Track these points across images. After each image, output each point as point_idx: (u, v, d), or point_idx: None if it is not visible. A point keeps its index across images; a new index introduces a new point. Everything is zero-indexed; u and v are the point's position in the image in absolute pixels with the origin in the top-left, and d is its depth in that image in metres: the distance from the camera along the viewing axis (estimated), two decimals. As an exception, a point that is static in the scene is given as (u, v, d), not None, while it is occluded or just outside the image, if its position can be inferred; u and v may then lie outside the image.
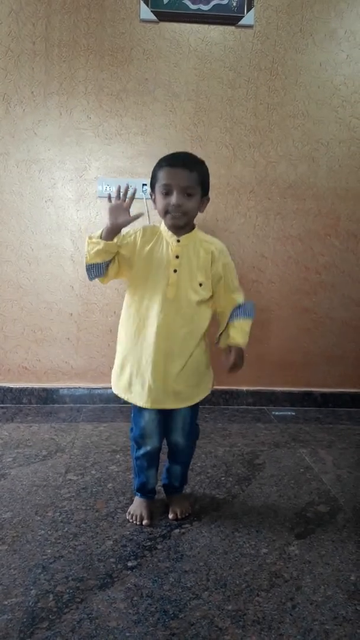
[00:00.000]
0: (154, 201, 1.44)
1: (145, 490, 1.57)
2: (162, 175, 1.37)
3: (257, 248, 2.54)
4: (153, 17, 2.33)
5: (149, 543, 1.43)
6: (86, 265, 1.40)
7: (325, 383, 2.67)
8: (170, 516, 1.54)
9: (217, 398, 2.59)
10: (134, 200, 2.46)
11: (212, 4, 2.34)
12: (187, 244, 1.41)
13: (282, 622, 1.14)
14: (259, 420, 2.44)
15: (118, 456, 1.98)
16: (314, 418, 2.51)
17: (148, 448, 1.51)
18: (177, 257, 1.40)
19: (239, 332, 1.45)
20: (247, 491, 1.74)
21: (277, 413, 2.55)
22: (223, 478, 1.83)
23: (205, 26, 2.38)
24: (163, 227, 1.44)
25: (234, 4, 2.35)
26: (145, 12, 2.33)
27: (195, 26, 2.38)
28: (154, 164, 2.50)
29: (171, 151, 2.43)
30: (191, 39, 2.39)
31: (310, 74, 2.44)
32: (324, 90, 2.46)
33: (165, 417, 1.50)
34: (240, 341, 1.45)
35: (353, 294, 2.61)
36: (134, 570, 1.32)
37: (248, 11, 2.36)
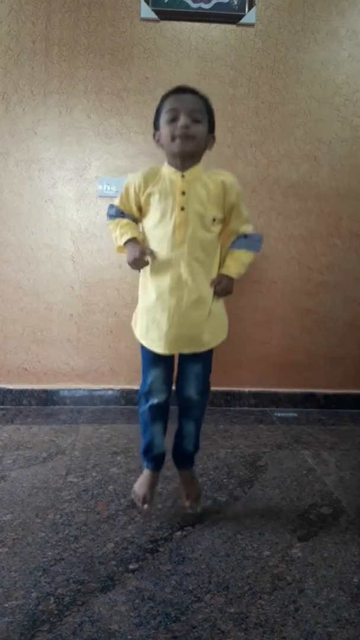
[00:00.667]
0: (158, 140, 1.40)
1: (151, 455, 1.52)
2: (167, 103, 1.34)
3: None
4: (154, 15, 2.32)
5: (151, 545, 1.42)
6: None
7: (328, 384, 2.65)
8: (187, 504, 1.51)
9: (218, 399, 2.57)
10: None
11: (213, 2, 2.33)
12: (193, 179, 1.35)
13: (285, 625, 1.13)
14: (261, 422, 2.43)
15: (119, 458, 1.97)
16: (317, 419, 2.50)
17: (154, 401, 1.47)
18: (183, 193, 1.34)
19: (234, 262, 1.41)
20: (250, 493, 1.72)
21: (279, 414, 2.54)
22: (225, 480, 1.81)
23: (206, 25, 2.37)
24: (165, 166, 1.39)
25: (235, 3, 2.34)
26: (146, 11, 2.32)
27: (196, 25, 2.37)
28: (155, 163, 2.48)
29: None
30: (192, 37, 2.38)
31: (312, 73, 2.43)
32: (326, 89, 2.44)
33: (178, 370, 1.48)
34: (234, 272, 1.41)
35: (356, 294, 2.60)
36: (135, 572, 1.30)
37: (249, 10, 2.35)
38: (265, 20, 2.38)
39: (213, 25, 2.37)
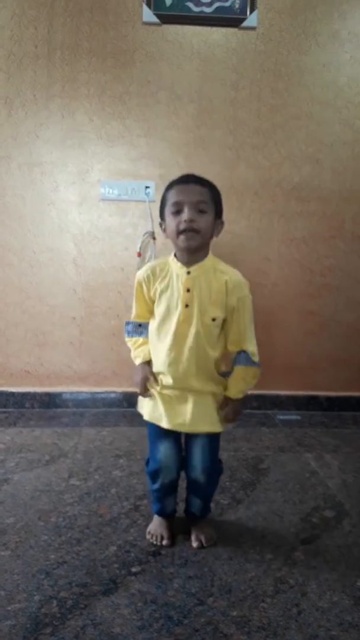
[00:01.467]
0: (164, 231, 1.36)
1: (164, 514, 1.49)
2: (171, 195, 1.30)
3: (261, 250, 2.53)
4: (155, 19, 2.33)
5: (153, 548, 1.42)
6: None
7: (331, 387, 2.65)
8: (195, 544, 1.43)
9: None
10: (138, 202, 2.47)
11: (214, 6, 2.34)
12: (198, 275, 1.32)
13: (288, 628, 1.13)
14: (263, 425, 2.42)
15: (121, 461, 1.97)
16: (320, 422, 2.49)
17: (165, 481, 1.42)
18: (188, 290, 1.31)
19: (235, 382, 1.37)
20: (252, 496, 1.72)
21: (282, 417, 2.53)
22: (227, 483, 1.81)
23: (208, 28, 2.38)
24: (172, 259, 1.36)
25: (237, 6, 2.35)
26: (148, 15, 2.33)
27: (197, 28, 2.37)
28: (157, 166, 2.51)
29: (174, 153, 2.43)
30: (194, 41, 2.38)
31: (314, 76, 2.43)
32: (328, 91, 2.45)
33: (185, 448, 1.44)
34: (234, 393, 1.38)
35: (358, 296, 2.59)
36: (137, 575, 1.30)
37: (251, 13, 2.35)
38: (267, 23, 2.39)
39: (215, 28, 2.38)
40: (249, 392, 2.60)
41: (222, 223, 1.38)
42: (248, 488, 1.78)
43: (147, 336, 1.44)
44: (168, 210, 1.31)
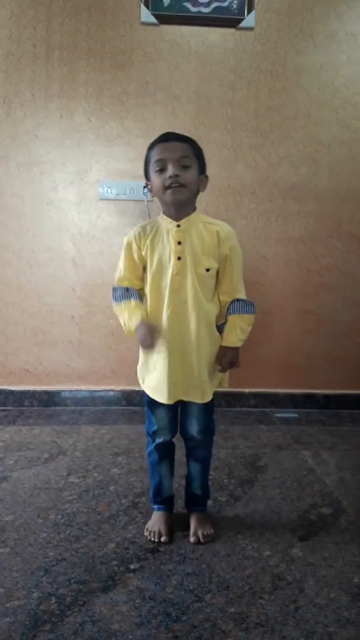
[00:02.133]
0: (150, 190, 1.38)
1: (161, 497, 1.51)
2: (154, 153, 1.32)
3: (259, 250, 2.54)
4: (153, 19, 2.34)
5: (151, 546, 1.43)
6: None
7: (328, 385, 2.66)
8: (192, 539, 1.44)
9: (219, 400, 2.56)
10: (136, 202, 2.48)
11: (212, 6, 2.35)
12: (188, 228, 1.35)
13: (285, 625, 1.14)
14: (261, 422, 2.44)
15: (120, 459, 1.98)
16: (317, 420, 2.50)
17: (161, 439, 1.48)
18: (179, 243, 1.34)
19: (232, 330, 1.39)
20: (250, 494, 1.73)
21: (279, 415, 2.55)
22: (225, 480, 1.82)
23: (206, 28, 2.38)
24: (161, 216, 1.39)
25: (235, 7, 2.36)
26: (146, 15, 2.34)
27: (195, 29, 2.38)
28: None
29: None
30: (192, 41, 2.39)
31: (311, 76, 2.44)
32: (325, 92, 2.46)
33: (180, 410, 1.48)
34: (233, 340, 1.39)
35: (355, 295, 2.61)
36: (136, 572, 1.31)
37: (248, 13, 2.36)
38: (265, 23, 2.40)
39: (212, 29, 2.39)
40: (247, 390, 2.63)
41: (206, 177, 1.40)
42: (246, 485, 1.79)
43: (137, 299, 1.40)
44: (152, 168, 1.33)
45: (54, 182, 2.44)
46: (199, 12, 2.35)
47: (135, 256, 1.39)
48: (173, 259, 1.34)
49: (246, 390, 2.63)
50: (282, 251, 2.55)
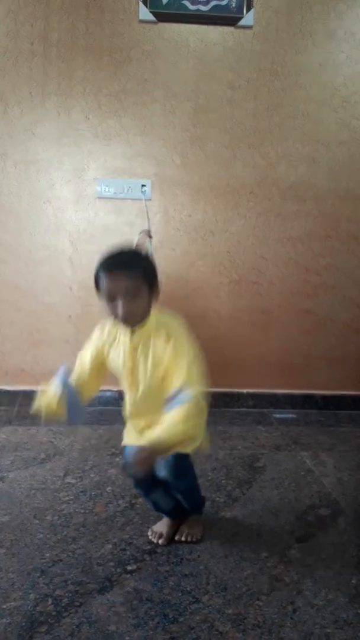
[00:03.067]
0: (104, 304, 1.30)
1: (163, 511, 1.49)
2: (103, 280, 1.25)
3: (257, 249, 2.53)
4: (152, 17, 2.33)
5: (149, 547, 1.42)
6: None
7: (327, 385, 2.65)
8: (176, 537, 1.44)
9: (217, 401, 2.57)
10: (134, 200, 2.46)
11: (211, 4, 2.34)
12: (142, 334, 1.32)
13: (283, 626, 1.13)
14: (259, 423, 2.43)
15: (117, 459, 1.97)
16: (315, 421, 2.50)
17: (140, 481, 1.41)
18: (134, 350, 1.32)
19: (160, 427, 1.23)
20: (248, 494, 1.72)
21: (278, 416, 2.54)
22: (223, 481, 1.81)
23: (205, 27, 2.38)
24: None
25: (233, 5, 2.35)
26: (144, 13, 2.33)
27: (194, 27, 2.37)
28: (153, 164, 2.50)
29: (170, 151, 2.42)
30: (190, 39, 2.38)
31: (310, 75, 2.44)
32: (324, 91, 2.45)
33: None
34: (150, 438, 1.22)
35: (354, 295, 2.60)
36: (133, 574, 1.30)
37: (247, 12, 2.35)
38: (264, 22, 2.39)
39: (211, 27, 2.38)
40: (245, 391, 2.62)
41: (158, 291, 1.34)
42: (244, 486, 1.78)
43: (62, 384, 1.37)
44: (102, 293, 1.27)
45: (51, 180, 2.43)
46: (198, 10, 2.34)
47: (96, 348, 1.39)
48: (128, 368, 1.33)
49: (244, 390, 2.62)
50: (281, 251, 2.54)
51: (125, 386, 1.38)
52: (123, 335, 1.35)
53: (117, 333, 1.37)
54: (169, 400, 1.25)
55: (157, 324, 1.33)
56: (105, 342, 1.38)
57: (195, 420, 1.24)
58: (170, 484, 1.39)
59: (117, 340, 1.37)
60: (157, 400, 1.30)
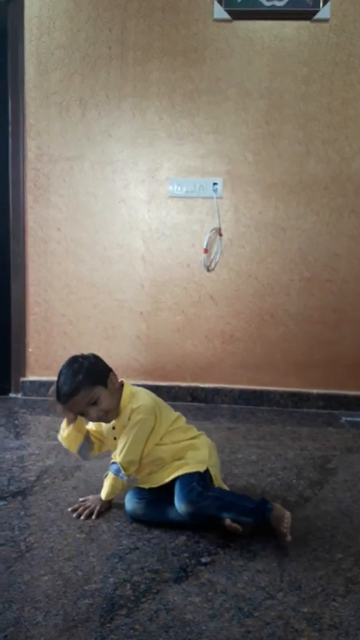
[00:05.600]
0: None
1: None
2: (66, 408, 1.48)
3: (330, 246, 2.48)
4: (227, 16, 2.34)
5: (221, 540, 1.44)
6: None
7: None
8: (284, 529, 1.40)
9: (285, 400, 2.55)
10: (205, 199, 2.48)
11: (286, -1, 2.31)
12: (118, 422, 1.52)
13: (360, 630, 1.11)
14: (329, 425, 2.38)
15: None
16: (389, 423, 2.42)
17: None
18: (113, 428, 1.54)
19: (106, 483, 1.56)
20: (320, 495, 1.71)
21: (348, 418, 2.48)
22: (294, 481, 1.80)
23: (280, 22, 2.36)
24: None
25: (310, -1, 2.31)
26: (219, 12, 2.34)
27: (269, 23, 2.36)
28: (225, 162, 2.52)
29: (242, 149, 2.42)
30: (265, 35, 2.37)
31: (389, 66, 2.35)
32: None
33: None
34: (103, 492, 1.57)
35: None
36: (207, 566, 1.32)
37: (324, 5, 2.31)
38: (340, 14, 2.34)
39: (287, 22, 2.35)
40: (315, 391, 2.57)
41: (112, 379, 1.53)
42: (316, 487, 1.76)
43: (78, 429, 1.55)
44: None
45: (126, 180, 2.50)
46: (273, 5, 2.32)
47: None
48: (112, 441, 1.56)
49: (314, 391, 2.58)
50: (355, 247, 2.48)
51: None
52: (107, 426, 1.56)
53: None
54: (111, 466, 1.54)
55: (129, 406, 1.52)
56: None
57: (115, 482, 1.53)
58: (188, 518, 1.46)
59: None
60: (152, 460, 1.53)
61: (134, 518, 1.52)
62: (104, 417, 1.49)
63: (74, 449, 1.54)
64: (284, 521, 1.40)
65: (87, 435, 1.56)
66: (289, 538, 1.40)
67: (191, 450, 1.56)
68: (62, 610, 1.15)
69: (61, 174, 2.51)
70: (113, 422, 1.53)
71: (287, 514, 1.42)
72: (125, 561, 1.34)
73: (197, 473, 1.49)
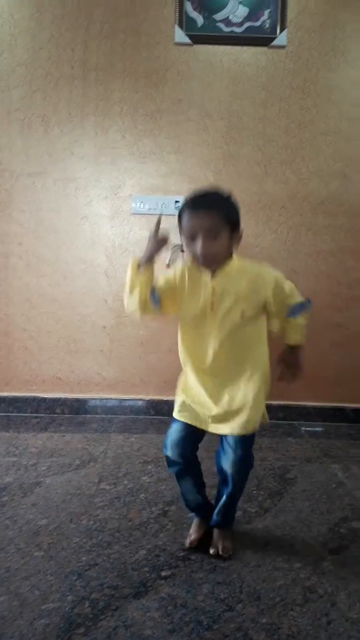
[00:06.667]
0: (183, 250, 1.40)
1: (191, 507, 1.53)
2: (184, 219, 1.32)
3: (288, 263, 2.55)
4: (187, 40, 2.41)
5: (182, 553, 1.45)
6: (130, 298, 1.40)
7: (358, 398, 2.64)
8: (211, 551, 1.44)
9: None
10: (168, 216, 2.52)
11: (245, 26, 2.40)
12: (223, 276, 1.35)
13: (317, 638, 1.14)
14: (289, 435, 2.43)
15: (149, 467, 2.01)
16: (346, 434, 2.48)
17: (171, 461, 1.46)
18: (213, 291, 1.34)
19: (297, 330, 1.43)
20: (279, 505, 1.74)
21: (307, 428, 2.54)
22: (255, 491, 1.83)
23: (238, 47, 2.44)
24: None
25: (267, 26, 2.41)
26: (180, 36, 2.41)
27: (228, 48, 2.44)
28: (187, 181, 2.56)
29: (203, 169, 2.48)
30: (224, 60, 2.45)
31: (342, 92, 2.47)
32: (356, 108, 2.47)
33: (219, 441, 1.46)
34: (299, 340, 1.44)
35: (386, 309, 2.59)
36: (167, 580, 1.33)
37: (281, 32, 2.41)
38: (296, 42, 2.44)
39: (245, 47, 2.44)
40: (274, 402, 2.62)
41: (239, 236, 1.37)
42: (275, 497, 1.79)
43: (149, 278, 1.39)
44: (184, 232, 1.33)
45: (89, 197, 2.51)
46: (232, 31, 2.41)
47: (176, 282, 1.40)
48: (207, 307, 1.35)
49: (274, 402, 2.62)
50: (312, 264, 2.56)
51: (198, 324, 1.37)
52: (204, 277, 1.36)
53: (196, 276, 1.37)
54: (292, 310, 1.40)
55: (239, 268, 1.37)
56: (179, 286, 1.38)
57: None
58: (226, 479, 1.43)
59: (198, 275, 1.37)
60: (233, 339, 1.36)
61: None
62: (208, 257, 1.30)
63: (145, 293, 1.36)
64: (222, 544, 1.46)
65: (154, 290, 1.38)
66: (212, 551, 1.44)
67: (265, 385, 1.45)
68: (18, 632, 1.14)
69: (23, 189, 2.51)
70: (214, 284, 1.34)
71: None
72: (84, 578, 1.33)
73: (254, 436, 1.44)
